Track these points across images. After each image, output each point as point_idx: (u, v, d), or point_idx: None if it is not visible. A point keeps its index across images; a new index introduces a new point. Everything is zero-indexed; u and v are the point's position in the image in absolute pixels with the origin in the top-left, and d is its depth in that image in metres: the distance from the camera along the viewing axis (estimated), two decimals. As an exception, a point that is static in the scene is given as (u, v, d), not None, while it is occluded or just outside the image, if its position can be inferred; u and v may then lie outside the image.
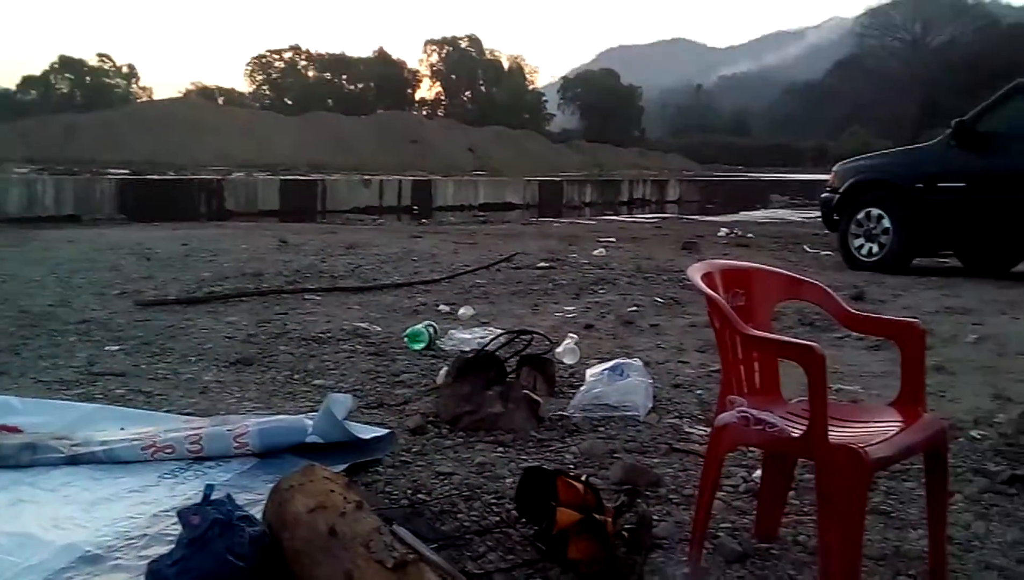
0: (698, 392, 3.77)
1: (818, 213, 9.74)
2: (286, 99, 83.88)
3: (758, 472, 2.56)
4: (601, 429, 3.25)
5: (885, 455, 1.89)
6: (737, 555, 2.26)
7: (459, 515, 2.48)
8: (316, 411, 2.98)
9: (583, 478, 2.39)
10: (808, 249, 10.35)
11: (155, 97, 79.20)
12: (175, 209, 15.28)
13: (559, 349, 4.26)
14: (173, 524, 2.06)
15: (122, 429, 2.98)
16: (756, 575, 2.17)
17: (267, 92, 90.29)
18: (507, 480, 2.68)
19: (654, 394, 3.61)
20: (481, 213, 20.58)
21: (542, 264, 8.02)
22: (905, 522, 2.46)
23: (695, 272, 2.14)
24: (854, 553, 1.84)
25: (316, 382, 3.84)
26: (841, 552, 1.83)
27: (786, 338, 2.10)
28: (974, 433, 3.20)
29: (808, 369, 1.84)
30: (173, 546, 1.94)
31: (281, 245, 9.18)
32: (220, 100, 78.02)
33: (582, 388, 3.55)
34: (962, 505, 2.57)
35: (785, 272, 2.43)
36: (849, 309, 2.28)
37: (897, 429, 2.00)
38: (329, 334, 4.80)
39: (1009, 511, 2.54)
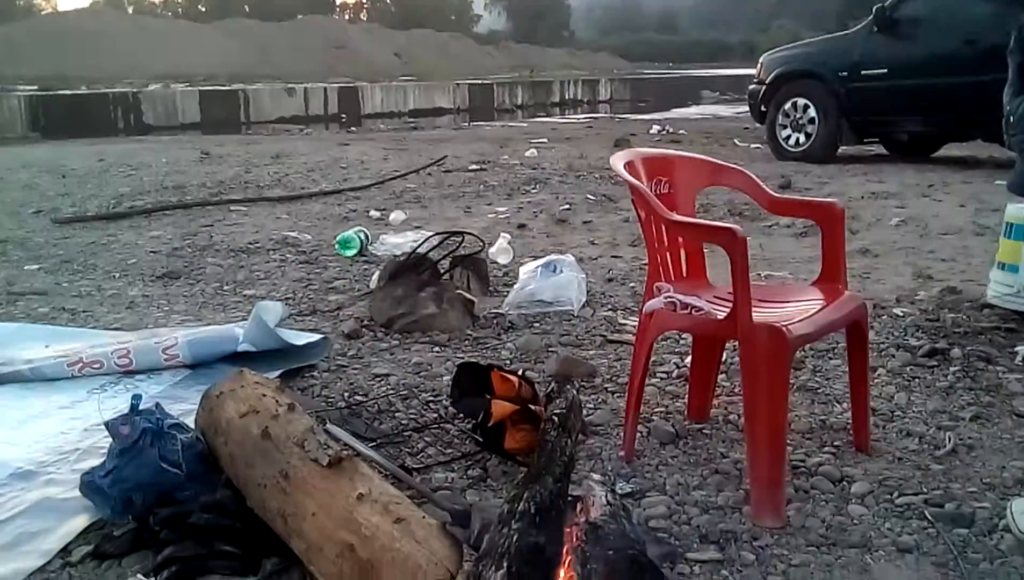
0: (631, 285, 3.82)
1: (748, 108, 9.77)
2: (199, 6, 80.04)
3: (690, 358, 2.62)
4: (536, 325, 3.28)
5: (807, 332, 1.94)
6: (670, 437, 2.33)
7: (397, 414, 2.50)
8: (247, 320, 2.94)
9: (519, 372, 2.43)
10: (739, 143, 10.43)
11: (60, 8, 74.91)
12: (91, 125, 14.65)
13: (492, 249, 4.25)
14: (105, 438, 2.03)
15: (47, 347, 2.91)
16: (688, 454, 2.24)
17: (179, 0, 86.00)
18: (444, 379, 2.70)
19: (588, 289, 3.65)
20: (411, 119, 20.15)
21: (473, 167, 7.95)
22: (831, 397, 2.56)
23: (618, 161, 2.13)
24: (779, 426, 1.90)
25: (247, 292, 3.78)
26: (767, 426, 1.89)
27: (708, 221, 2.12)
28: (897, 311, 3.32)
29: (730, 251, 1.86)
30: (105, 457, 1.92)
31: (203, 157, 8.91)
32: (130, 10, 74.08)
33: (516, 286, 3.57)
34: (885, 379, 2.68)
35: (707, 158, 2.43)
36: (771, 193, 2.30)
37: (818, 307, 2.06)
38: (258, 244, 4.71)
39: (929, 382, 2.65)
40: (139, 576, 1.66)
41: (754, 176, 2.32)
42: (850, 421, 2.29)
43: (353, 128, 16.96)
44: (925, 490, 2.00)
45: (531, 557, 1.19)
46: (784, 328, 1.85)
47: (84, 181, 7.29)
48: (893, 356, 2.84)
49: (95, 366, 2.72)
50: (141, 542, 1.74)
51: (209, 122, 17.43)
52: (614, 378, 2.75)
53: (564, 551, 1.30)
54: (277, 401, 1.90)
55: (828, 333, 2.25)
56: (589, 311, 3.43)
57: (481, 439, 2.29)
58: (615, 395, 2.61)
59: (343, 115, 20.62)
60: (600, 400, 2.59)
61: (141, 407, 1.94)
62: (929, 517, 1.88)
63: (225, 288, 3.87)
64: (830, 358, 2.84)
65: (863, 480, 2.05)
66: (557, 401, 1.60)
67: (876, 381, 2.63)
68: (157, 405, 2.00)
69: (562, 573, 1.28)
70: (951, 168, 7.58)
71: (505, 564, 1.17)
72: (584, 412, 2.46)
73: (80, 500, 1.93)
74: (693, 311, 2.00)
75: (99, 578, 1.69)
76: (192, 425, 2.02)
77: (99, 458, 2.01)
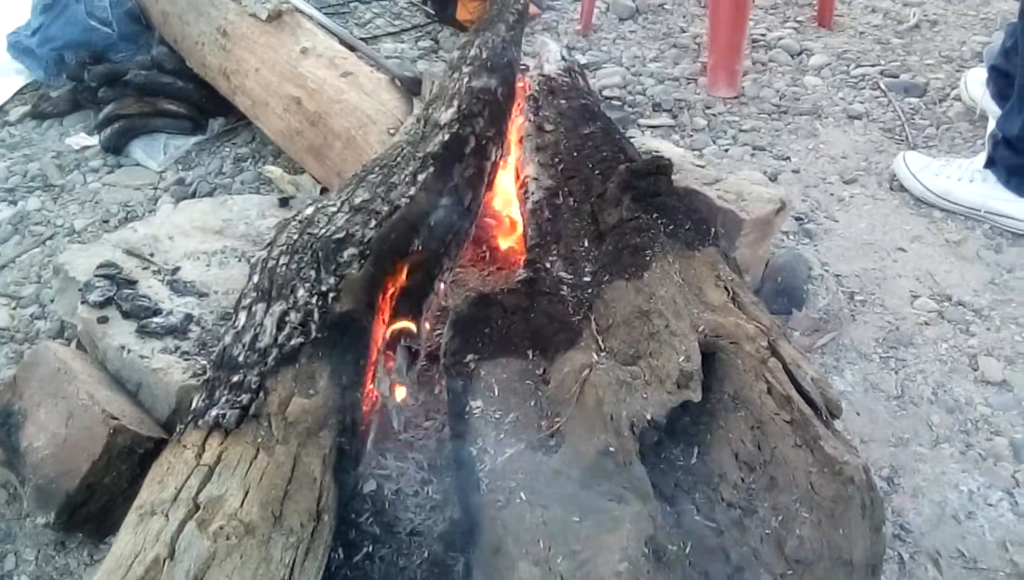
0: None
1: None
2: None
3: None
4: None
5: None
6: (630, 12, 2.23)
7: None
8: None
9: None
10: None
11: None
12: None
13: None
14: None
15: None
16: (647, 29, 2.17)
17: None
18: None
19: None
20: None
21: None
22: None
23: None
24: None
25: None
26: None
27: None
28: None
29: None
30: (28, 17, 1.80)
31: None
32: None
33: None
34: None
35: None
36: None
37: None
38: None
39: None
40: (82, 134, 1.63)
41: None
42: (818, -4, 2.20)
43: None
44: (882, 62, 1.97)
45: (481, 97, 1.16)
46: None
47: None
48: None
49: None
50: (79, 102, 1.69)
51: None
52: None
53: (515, 96, 1.27)
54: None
55: None
56: None
57: (432, 10, 2.18)
58: (574, -30, 2.46)
59: None
60: (558, -25, 2.44)
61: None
62: (883, 87, 1.88)
63: None
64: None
65: (822, 53, 2.01)
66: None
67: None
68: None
69: (513, 115, 1.26)
70: None
71: (455, 104, 1.14)
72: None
73: (11, 63, 1.83)
74: None
75: (40, 136, 1.66)
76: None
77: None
